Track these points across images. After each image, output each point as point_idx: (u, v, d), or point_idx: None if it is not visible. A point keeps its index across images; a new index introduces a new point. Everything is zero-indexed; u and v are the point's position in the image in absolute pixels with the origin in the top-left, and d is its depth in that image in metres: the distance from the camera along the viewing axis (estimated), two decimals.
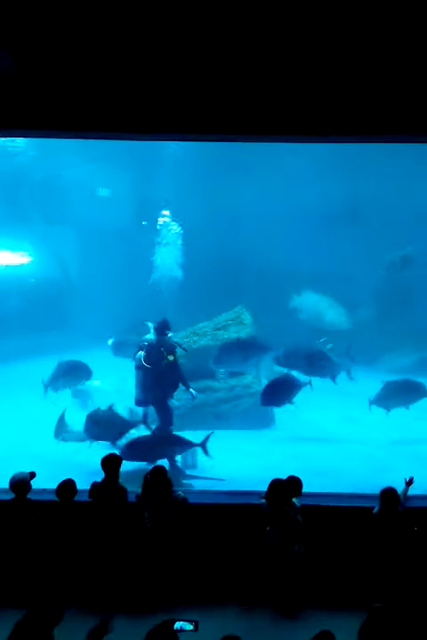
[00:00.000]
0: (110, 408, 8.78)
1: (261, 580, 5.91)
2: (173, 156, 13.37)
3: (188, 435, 8.94)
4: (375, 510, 5.85)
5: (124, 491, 6.10)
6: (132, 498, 6.15)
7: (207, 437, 7.94)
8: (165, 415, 8.51)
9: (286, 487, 5.94)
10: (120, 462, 6.16)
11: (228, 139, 6.93)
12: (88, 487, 6.09)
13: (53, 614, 3.99)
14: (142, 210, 14.66)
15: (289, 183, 14.57)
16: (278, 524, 5.88)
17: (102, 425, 8.61)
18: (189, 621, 3.84)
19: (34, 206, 15.67)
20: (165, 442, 8.01)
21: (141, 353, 8.50)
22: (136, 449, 7.70)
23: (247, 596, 5.88)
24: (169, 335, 8.62)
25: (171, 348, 8.51)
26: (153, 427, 8.54)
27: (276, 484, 5.95)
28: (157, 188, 14.18)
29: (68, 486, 5.91)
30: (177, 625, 3.80)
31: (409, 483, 6.03)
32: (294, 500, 5.94)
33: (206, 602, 5.68)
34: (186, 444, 8.13)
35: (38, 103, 6.20)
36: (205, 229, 14.31)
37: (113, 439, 8.34)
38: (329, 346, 10.66)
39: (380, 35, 5.49)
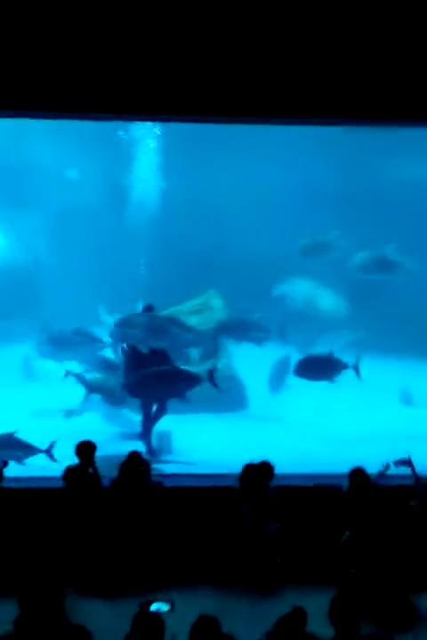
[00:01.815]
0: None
1: (236, 560, 6.00)
2: (148, 136, 13.05)
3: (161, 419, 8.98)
4: (345, 489, 5.99)
5: (97, 476, 6.11)
6: (106, 483, 6.15)
7: (52, 444, 7.26)
8: (146, 401, 8.45)
9: (260, 470, 6.03)
10: (94, 449, 6.14)
11: (212, 120, 6.74)
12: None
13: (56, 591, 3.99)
14: (113, 192, 14.38)
15: (272, 165, 14.23)
16: (254, 505, 5.96)
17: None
18: (166, 602, 3.88)
19: None
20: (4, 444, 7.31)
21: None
22: None
23: (223, 576, 5.96)
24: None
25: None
26: None
27: (249, 467, 6.03)
28: (129, 170, 13.86)
29: None
30: (154, 606, 3.84)
31: (386, 468, 6.10)
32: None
33: (183, 583, 5.72)
34: (28, 448, 7.38)
35: (5, 82, 5.96)
36: (180, 212, 14.06)
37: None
38: (257, 315, 10.60)
39: (378, 16, 5.48)
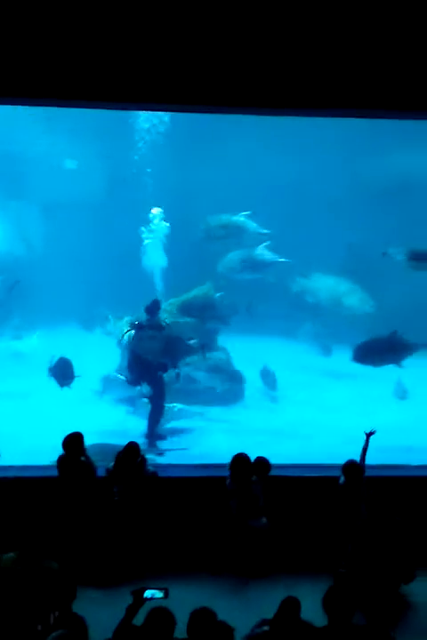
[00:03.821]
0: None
1: (226, 552, 6.02)
2: (147, 127, 12.86)
3: None
4: (341, 482, 6.02)
5: (90, 465, 6.11)
6: (102, 472, 6.16)
7: None
8: (154, 395, 8.51)
9: (248, 460, 6.06)
10: (81, 440, 6.09)
11: (218, 110, 6.65)
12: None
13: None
14: (112, 183, 14.27)
15: (278, 155, 13.69)
16: (240, 497, 5.99)
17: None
18: (160, 589, 3.88)
19: None
20: None
21: (131, 332, 8.54)
22: None
23: (216, 566, 5.98)
24: (158, 315, 8.66)
25: (159, 327, 8.48)
26: None
27: (238, 457, 6.06)
28: (129, 160, 13.71)
29: None
30: (147, 593, 3.84)
31: (370, 434, 6.17)
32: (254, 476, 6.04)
33: (176, 572, 5.73)
34: None
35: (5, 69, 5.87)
36: (183, 205, 13.91)
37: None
38: (218, 294, 10.68)
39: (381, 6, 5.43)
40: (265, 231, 11.53)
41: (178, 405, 9.36)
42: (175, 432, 8.85)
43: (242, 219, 11.70)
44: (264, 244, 11.41)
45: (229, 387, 10.39)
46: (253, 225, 11.68)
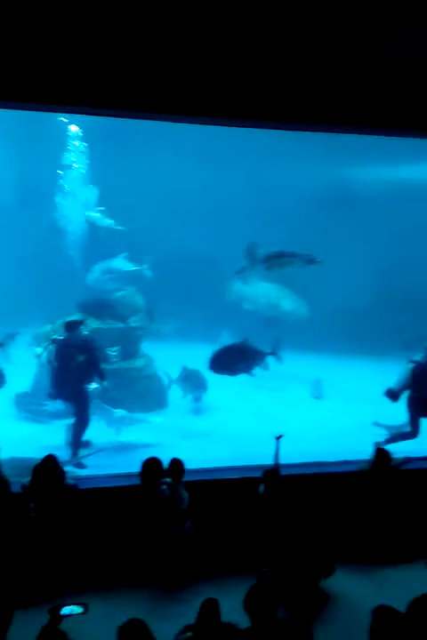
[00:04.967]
0: None
1: (150, 561, 5.95)
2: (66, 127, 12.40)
3: None
4: (261, 491, 6.13)
5: (4, 481, 5.83)
6: (17, 488, 5.88)
7: None
8: (79, 410, 8.31)
9: (157, 464, 6.05)
10: None
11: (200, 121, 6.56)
12: None
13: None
14: (26, 187, 13.68)
15: (202, 164, 13.96)
16: (153, 502, 5.96)
17: None
18: (79, 604, 3.74)
19: None
20: None
21: (51, 347, 8.30)
22: None
23: (138, 577, 5.87)
24: (80, 330, 8.48)
25: (81, 346, 8.27)
26: None
27: (146, 462, 6.06)
28: (45, 162, 13.21)
29: None
30: (65, 609, 3.68)
31: (279, 438, 6.35)
32: (166, 479, 6.03)
33: (97, 587, 5.59)
34: None
35: None
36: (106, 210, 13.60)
37: None
38: (120, 294, 10.84)
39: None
40: (120, 228, 11.41)
41: (121, 411, 9.30)
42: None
43: (96, 214, 11.36)
44: (123, 254, 11.38)
45: (151, 391, 10.33)
46: (107, 221, 11.42)
